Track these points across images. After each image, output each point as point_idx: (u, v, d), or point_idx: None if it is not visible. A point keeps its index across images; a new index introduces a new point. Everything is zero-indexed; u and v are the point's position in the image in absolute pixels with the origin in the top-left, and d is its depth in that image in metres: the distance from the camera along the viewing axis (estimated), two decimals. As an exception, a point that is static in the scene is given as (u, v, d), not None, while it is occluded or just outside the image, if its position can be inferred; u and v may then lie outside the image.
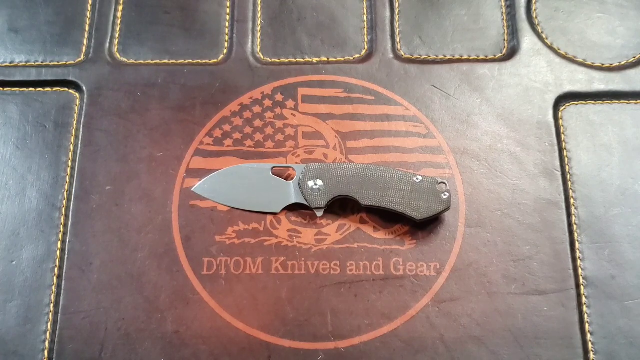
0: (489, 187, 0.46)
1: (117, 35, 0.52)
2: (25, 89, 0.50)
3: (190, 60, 0.51)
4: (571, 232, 0.45)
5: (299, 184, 0.45)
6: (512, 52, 0.51)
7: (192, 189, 0.46)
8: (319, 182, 0.44)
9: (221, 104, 0.49)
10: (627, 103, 0.49)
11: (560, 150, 0.48)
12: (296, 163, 0.47)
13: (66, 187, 0.47)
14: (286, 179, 0.46)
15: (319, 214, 0.45)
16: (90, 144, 0.48)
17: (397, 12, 0.53)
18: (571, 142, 0.48)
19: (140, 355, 0.42)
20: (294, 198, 0.45)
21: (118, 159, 0.47)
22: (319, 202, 0.44)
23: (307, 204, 0.45)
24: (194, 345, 0.42)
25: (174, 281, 0.44)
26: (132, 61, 0.51)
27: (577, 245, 0.45)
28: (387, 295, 0.43)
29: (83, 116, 0.49)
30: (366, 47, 0.52)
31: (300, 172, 0.45)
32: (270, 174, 0.46)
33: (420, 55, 0.52)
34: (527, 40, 0.52)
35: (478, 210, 0.46)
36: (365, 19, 0.53)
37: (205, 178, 0.46)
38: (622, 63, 0.51)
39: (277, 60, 0.52)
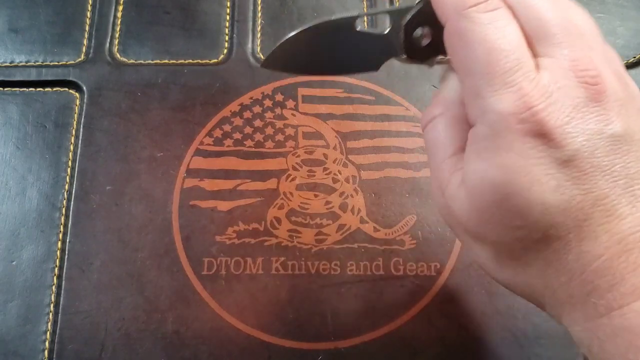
0: (489, 187, 0.46)
1: (117, 35, 0.52)
2: (25, 89, 0.50)
3: (190, 60, 0.51)
4: (571, 232, 0.45)
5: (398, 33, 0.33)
6: (512, 52, 0.51)
7: (260, 66, 0.39)
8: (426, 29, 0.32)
9: (221, 104, 0.49)
10: (627, 103, 0.49)
11: (560, 150, 0.48)
12: (296, 163, 0.47)
13: (66, 187, 0.47)
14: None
15: (431, 64, 0.33)
16: (90, 144, 0.48)
17: (397, 12, 0.53)
18: (571, 142, 0.48)
19: (140, 355, 0.42)
20: (394, 52, 0.33)
21: (118, 159, 0.47)
22: (427, 52, 0.33)
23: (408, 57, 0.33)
24: (194, 345, 0.42)
25: (174, 281, 0.44)
26: (132, 61, 0.51)
27: (577, 245, 0.44)
28: (387, 295, 0.43)
29: (83, 116, 0.49)
30: (366, 47, 0.52)
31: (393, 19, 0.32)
32: (355, 29, 0.34)
33: (420, 55, 0.52)
34: (527, 40, 0.52)
35: (478, 210, 0.46)
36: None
37: (274, 48, 0.36)
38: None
39: (277, 60, 0.51)
